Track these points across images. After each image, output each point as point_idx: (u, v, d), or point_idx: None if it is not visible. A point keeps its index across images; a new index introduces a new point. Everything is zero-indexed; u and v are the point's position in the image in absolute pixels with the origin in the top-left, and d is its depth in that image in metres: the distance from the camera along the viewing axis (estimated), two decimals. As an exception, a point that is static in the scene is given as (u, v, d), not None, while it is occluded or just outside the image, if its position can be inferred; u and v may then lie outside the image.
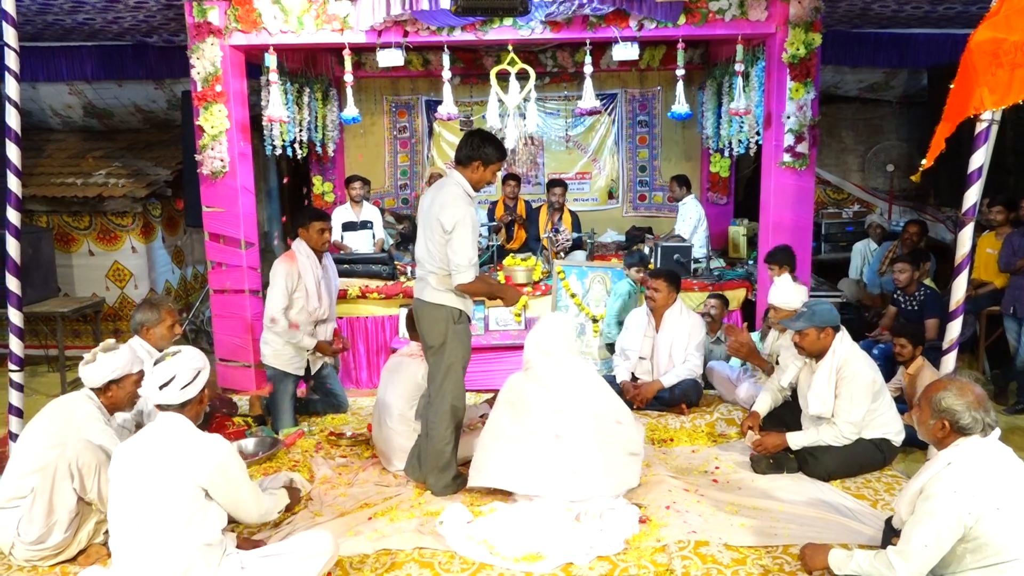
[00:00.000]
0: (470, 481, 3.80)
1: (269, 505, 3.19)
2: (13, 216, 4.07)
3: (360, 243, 7.00)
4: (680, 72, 5.85)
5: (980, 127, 3.60)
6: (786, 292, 4.58)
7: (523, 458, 3.63)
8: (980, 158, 3.64)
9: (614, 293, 5.91)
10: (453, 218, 3.64)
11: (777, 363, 4.65)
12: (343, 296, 6.21)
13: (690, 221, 7.16)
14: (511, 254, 6.97)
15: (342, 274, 6.38)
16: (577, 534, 3.33)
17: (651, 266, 6.20)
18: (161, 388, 2.78)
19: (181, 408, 2.84)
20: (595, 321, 6.08)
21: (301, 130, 6.61)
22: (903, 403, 4.65)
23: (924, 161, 3.54)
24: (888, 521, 3.12)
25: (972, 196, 3.68)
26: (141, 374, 3.28)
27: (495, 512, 3.57)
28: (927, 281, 5.96)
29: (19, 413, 4.18)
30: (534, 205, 7.63)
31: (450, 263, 3.68)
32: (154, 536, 2.71)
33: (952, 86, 3.53)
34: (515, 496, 3.71)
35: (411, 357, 4.24)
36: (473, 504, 3.69)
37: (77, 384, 6.31)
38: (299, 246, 5.00)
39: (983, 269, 5.99)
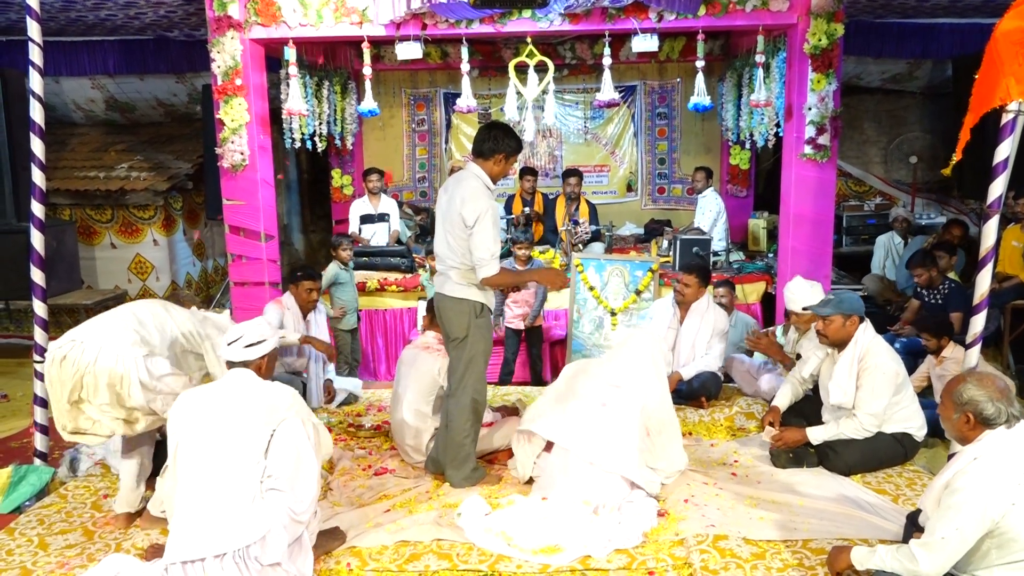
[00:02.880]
0: (522, 423, 3.87)
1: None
2: (37, 209, 4.11)
3: (377, 235, 7.03)
4: (700, 64, 5.81)
5: (1006, 118, 3.53)
6: (802, 295, 4.56)
7: (568, 415, 3.72)
8: (1006, 150, 3.58)
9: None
10: (475, 212, 3.62)
11: (799, 357, 4.62)
12: (361, 288, 6.25)
13: (710, 214, 7.12)
14: (529, 247, 6.97)
15: (361, 267, 6.43)
16: (595, 527, 3.33)
17: (670, 259, 6.18)
18: (229, 345, 3.12)
19: (246, 365, 3.12)
20: (613, 314, 6.06)
21: (320, 123, 6.64)
22: (923, 397, 4.60)
23: (954, 155, 3.49)
24: (909, 517, 3.10)
25: (997, 188, 3.62)
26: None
27: (513, 504, 3.58)
28: (951, 275, 5.89)
29: (44, 403, 4.23)
30: (550, 197, 7.61)
31: (473, 257, 3.67)
32: (224, 474, 2.88)
33: (977, 76, 3.48)
34: (533, 489, 3.73)
35: (427, 350, 4.22)
36: (491, 496, 3.70)
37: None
38: (287, 300, 5.05)
39: (1008, 262, 5.92)
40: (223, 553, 2.81)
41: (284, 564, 2.88)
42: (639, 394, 3.74)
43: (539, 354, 5.95)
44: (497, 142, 3.74)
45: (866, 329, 4.00)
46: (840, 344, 4.02)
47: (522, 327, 5.77)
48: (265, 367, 3.19)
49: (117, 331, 3.40)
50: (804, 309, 4.48)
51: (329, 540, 3.27)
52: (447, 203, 3.79)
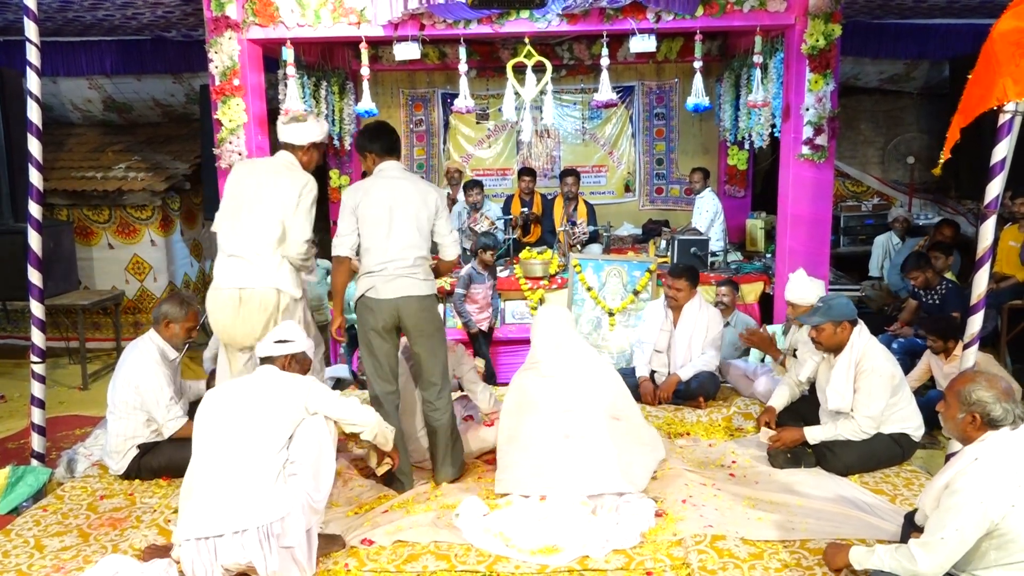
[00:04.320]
0: (496, 487, 3.74)
1: (377, 417, 3.45)
2: (34, 210, 4.11)
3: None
4: (698, 64, 5.80)
5: (1003, 118, 3.54)
6: (802, 287, 4.55)
7: (536, 461, 3.64)
8: (1003, 150, 3.59)
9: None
10: (442, 196, 3.89)
11: (795, 356, 4.62)
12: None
13: (707, 214, 7.12)
14: (527, 247, 6.96)
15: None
16: (593, 527, 3.33)
17: (666, 260, 6.17)
18: (262, 340, 3.41)
19: (272, 361, 3.33)
20: (611, 315, 6.07)
21: (318, 123, 6.63)
22: (919, 395, 4.60)
23: (942, 154, 3.49)
24: (907, 517, 3.10)
25: (994, 188, 3.63)
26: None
27: (511, 505, 3.57)
28: (948, 275, 5.90)
29: (41, 404, 4.23)
30: (549, 197, 7.61)
31: (447, 239, 3.88)
32: (247, 457, 3.00)
33: (970, 76, 3.48)
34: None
35: None
36: (489, 497, 3.69)
37: (98, 376, 6.41)
38: None
39: (1005, 262, 5.92)
40: (244, 529, 2.88)
41: (297, 549, 2.95)
42: (595, 400, 3.71)
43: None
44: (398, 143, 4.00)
45: (861, 332, 3.99)
46: (835, 349, 4.02)
47: (487, 327, 5.81)
48: (288, 366, 3.35)
49: (281, 273, 3.77)
50: (797, 319, 4.48)
51: (329, 544, 3.27)
52: (403, 199, 3.74)
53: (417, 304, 3.77)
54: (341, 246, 3.76)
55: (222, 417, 3.13)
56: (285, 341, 3.36)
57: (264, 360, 3.35)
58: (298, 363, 3.41)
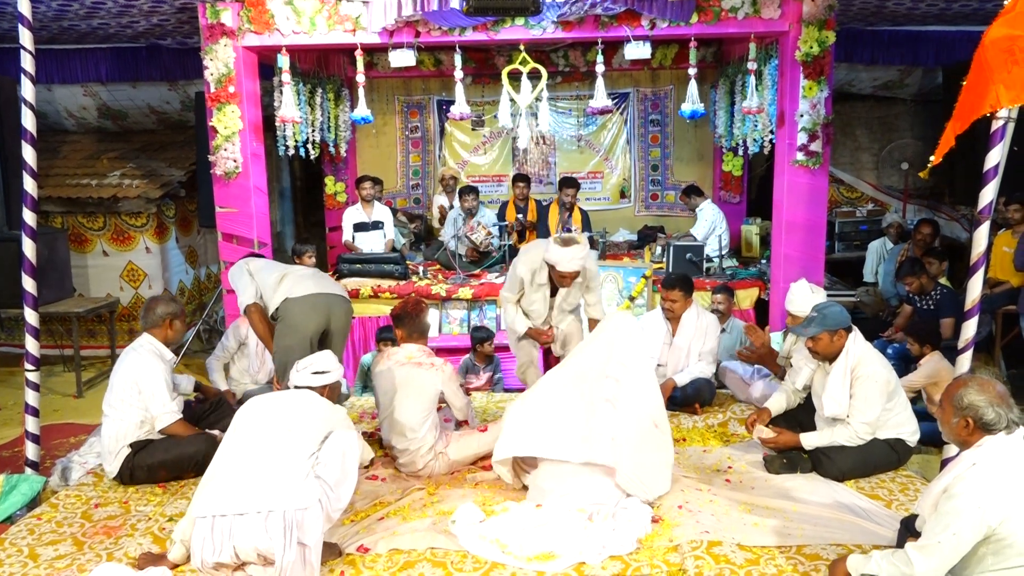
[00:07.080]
0: (496, 452, 3.79)
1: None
2: (29, 217, 4.10)
3: (371, 243, 7.02)
4: (692, 71, 5.83)
5: (996, 125, 3.57)
6: (803, 298, 4.52)
7: (562, 420, 3.67)
8: (996, 156, 3.61)
9: None
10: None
11: (791, 366, 4.61)
12: (355, 295, 6.24)
13: (706, 224, 7.11)
14: (523, 254, 6.96)
15: (354, 274, 6.42)
16: (589, 533, 3.33)
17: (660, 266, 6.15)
18: (298, 372, 3.49)
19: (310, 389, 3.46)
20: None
21: (314, 130, 6.64)
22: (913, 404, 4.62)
23: (932, 158, 3.51)
24: (903, 522, 3.10)
25: (988, 194, 3.64)
26: None
27: (507, 512, 3.56)
28: (942, 280, 5.91)
29: (35, 412, 4.21)
30: (544, 203, 7.62)
31: None
32: (280, 450, 3.11)
33: (964, 83, 3.49)
34: (527, 496, 3.72)
35: (420, 367, 4.14)
36: (486, 504, 3.69)
37: (92, 384, 6.39)
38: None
39: (999, 268, 5.94)
40: (270, 511, 2.93)
41: (312, 550, 2.99)
42: (637, 391, 3.73)
43: None
44: None
45: (856, 339, 3.99)
46: (831, 357, 4.01)
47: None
48: (327, 395, 3.48)
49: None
50: (792, 331, 4.47)
51: (326, 552, 3.26)
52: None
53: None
54: (252, 296, 4.34)
55: (260, 417, 3.25)
56: (323, 372, 3.49)
57: (301, 388, 3.47)
58: (332, 391, 3.55)
